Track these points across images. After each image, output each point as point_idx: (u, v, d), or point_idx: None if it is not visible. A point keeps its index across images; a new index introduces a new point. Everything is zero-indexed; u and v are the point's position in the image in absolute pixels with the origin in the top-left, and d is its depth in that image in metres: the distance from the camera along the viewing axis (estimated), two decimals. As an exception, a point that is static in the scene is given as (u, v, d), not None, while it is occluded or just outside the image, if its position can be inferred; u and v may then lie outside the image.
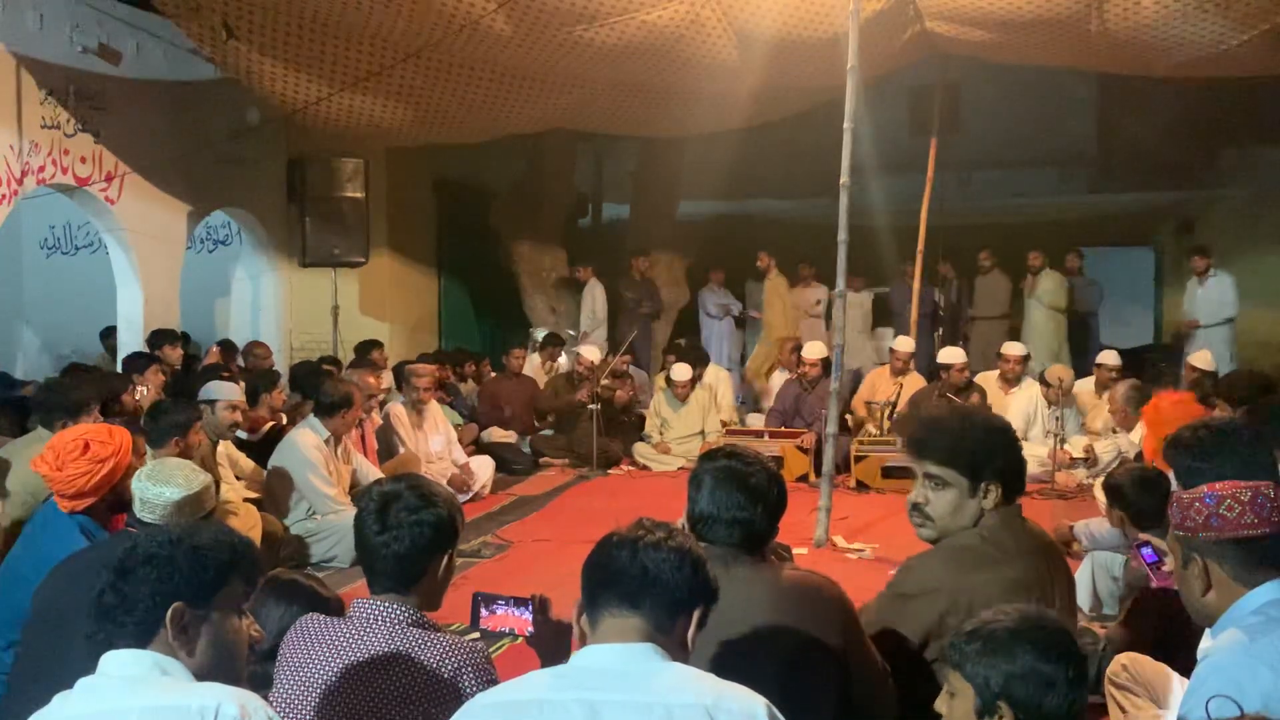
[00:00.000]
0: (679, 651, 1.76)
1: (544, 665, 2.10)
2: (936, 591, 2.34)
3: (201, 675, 1.72)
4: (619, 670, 1.68)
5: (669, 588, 1.75)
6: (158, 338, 7.82)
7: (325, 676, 2.09)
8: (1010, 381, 8.28)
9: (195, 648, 1.73)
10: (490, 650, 2.44)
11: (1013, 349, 8.34)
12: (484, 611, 3.28)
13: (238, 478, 5.86)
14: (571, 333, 11.01)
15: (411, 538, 2.17)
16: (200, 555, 1.76)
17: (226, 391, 5.74)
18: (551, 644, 2.26)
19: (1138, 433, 6.28)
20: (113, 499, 3.34)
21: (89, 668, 1.69)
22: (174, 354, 7.74)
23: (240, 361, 8.47)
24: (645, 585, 1.74)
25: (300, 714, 2.09)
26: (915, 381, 8.73)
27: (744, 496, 2.27)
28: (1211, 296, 9.83)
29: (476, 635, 3.17)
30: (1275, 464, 2.99)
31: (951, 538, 2.46)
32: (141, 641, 1.70)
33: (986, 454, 2.44)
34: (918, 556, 2.51)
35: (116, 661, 1.68)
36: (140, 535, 1.82)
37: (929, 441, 2.50)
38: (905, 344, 8.79)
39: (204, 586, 1.75)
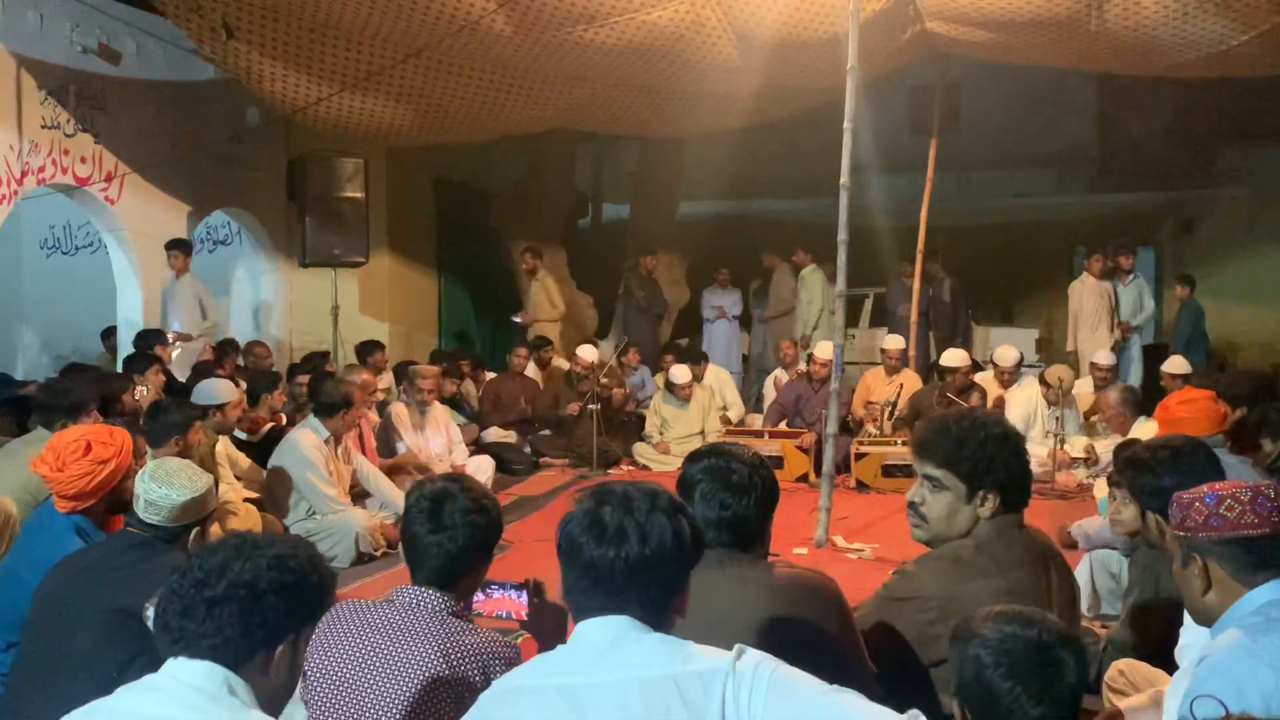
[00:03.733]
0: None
1: (542, 648, 2.13)
2: (926, 599, 2.34)
3: (270, 699, 1.68)
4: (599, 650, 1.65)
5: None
6: (145, 338, 7.69)
7: (365, 654, 2.13)
8: (1007, 382, 8.27)
9: (280, 672, 1.70)
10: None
11: (1005, 358, 8.28)
12: (480, 595, 3.35)
13: (237, 477, 5.86)
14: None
15: (466, 537, 2.23)
16: (321, 592, 1.74)
17: (224, 391, 5.75)
18: (549, 625, 2.30)
19: (1134, 435, 6.25)
20: (111, 500, 3.34)
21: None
22: (165, 354, 7.70)
23: (240, 361, 8.46)
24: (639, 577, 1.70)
25: (338, 690, 2.12)
26: (913, 380, 8.73)
27: (728, 495, 2.27)
28: (1132, 296, 9.75)
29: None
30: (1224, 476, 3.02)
31: (945, 546, 2.45)
32: (237, 661, 1.63)
33: (986, 463, 2.41)
34: (914, 562, 2.50)
35: (189, 670, 1.62)
36: (267, 558, 1.70)
37: (930, 442, 2.49)
38: (895, 342, 8.84)
39: (310, 619, 1.75)
